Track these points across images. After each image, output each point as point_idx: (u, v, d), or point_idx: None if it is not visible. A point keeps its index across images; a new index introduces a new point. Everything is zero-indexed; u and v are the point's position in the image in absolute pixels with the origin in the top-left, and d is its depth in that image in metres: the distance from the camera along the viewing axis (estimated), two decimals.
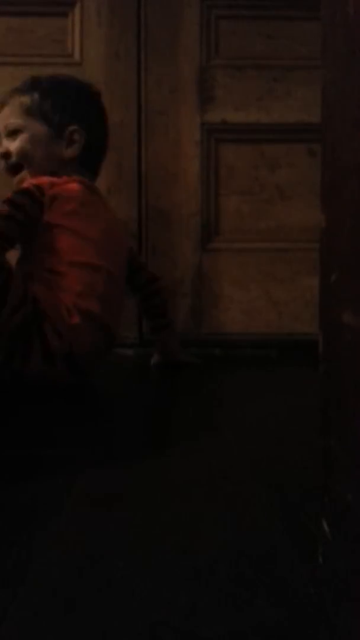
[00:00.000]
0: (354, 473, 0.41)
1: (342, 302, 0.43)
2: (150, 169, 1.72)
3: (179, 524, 0.57)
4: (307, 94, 1.68)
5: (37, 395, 1.12)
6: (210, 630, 0.41)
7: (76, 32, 1.72)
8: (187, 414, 1.03)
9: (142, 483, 0.68)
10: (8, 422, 0.95)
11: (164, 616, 0.42)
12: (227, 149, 1.74)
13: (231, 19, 1.73)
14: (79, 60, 1.72)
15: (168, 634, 0.40)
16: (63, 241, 1.20)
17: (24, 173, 1.31)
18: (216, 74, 1.72)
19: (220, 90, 1.72)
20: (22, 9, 1.71)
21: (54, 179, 1.25)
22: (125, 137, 1.71)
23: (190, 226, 1.72)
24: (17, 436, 0.88)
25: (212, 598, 0.44)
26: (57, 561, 0.50)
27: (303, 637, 0.40)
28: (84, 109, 1.36)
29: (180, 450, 0.81)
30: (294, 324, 1.71)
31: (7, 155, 1.32)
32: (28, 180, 1.27)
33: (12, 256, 1.23)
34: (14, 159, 1.32)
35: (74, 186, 1.26)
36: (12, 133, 1.32)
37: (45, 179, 1.24)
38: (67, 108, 1.33)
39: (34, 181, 1.24)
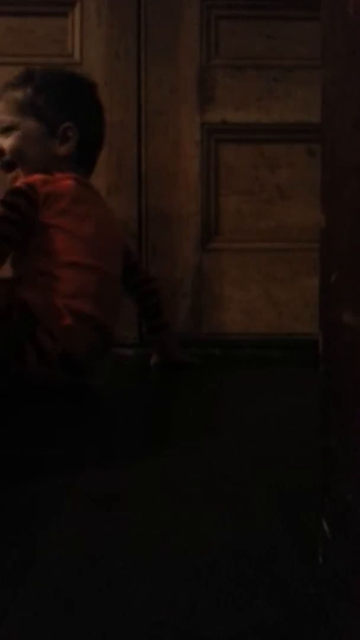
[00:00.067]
0: (354, 473, 0.41)
1: (342, 302, 0.43)
2: (150, 169, 1.72)
3: (179, 524, 0.57)
4: (307, 94, 1.68)
5: (37, 396, 1.12)
6: (210, 630, 0.41)
7: (76, 32, 1.72)
8: (187, 414, 1.03)
9: (142, 483, 0.68)
10: (8, 422, 0.95)
11: (164, 616, 0.42)
12: (227, 149, 1.73)
13: (231, 19, 1.73)
14: (79, 60, 1.72)
15: (168, 634, 0.40)
16: (56, 242, 1.20)
17: (18, 171, 1.30)
18: (216, 74, 1.72)
19: (220, 90, 1.72)
20: (22, 9, 1.71)
21: (47, 177, 1.24)
22: (125, 137, 1.71)
23: (190, 226, 1.72)
24: (17, 436, 0.88)
25: (212, 598, 0.44)
26: (57, 561, 0.50)
27: (303, 637, 0.40)
28: (78, 104, 1.34)
29: (180, 450, 0.81)
30: (294, 324, 1.71)
31: (0, 153, 1.32)
32: (21, 179, 1.26)
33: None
34: (7, 156, 1.31)
35: (66, 183, 1.25)
36: (5, 130, 1.31)
37: (37, 177, 1.23)
38: (61, 104, 1.32)
39: (27, 180, 1.23)
